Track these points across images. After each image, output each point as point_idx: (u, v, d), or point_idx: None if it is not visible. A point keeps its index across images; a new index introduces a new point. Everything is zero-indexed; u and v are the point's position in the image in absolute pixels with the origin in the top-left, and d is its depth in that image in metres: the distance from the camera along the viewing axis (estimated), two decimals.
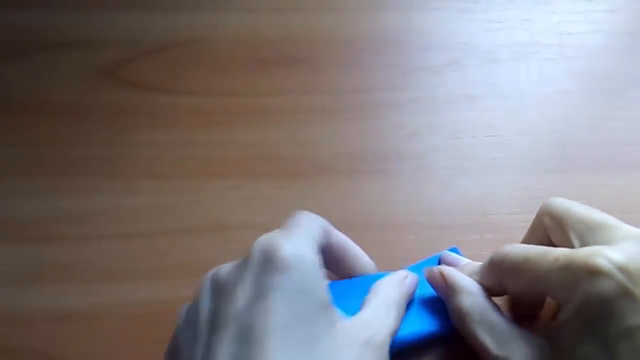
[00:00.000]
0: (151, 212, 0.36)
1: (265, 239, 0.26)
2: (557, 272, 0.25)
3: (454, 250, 0.33)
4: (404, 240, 0.35)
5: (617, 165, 0.38)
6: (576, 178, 0.37)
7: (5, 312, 0.33)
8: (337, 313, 0.26)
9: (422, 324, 0.30)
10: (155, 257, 0.35)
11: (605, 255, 0.24)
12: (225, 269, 0.27)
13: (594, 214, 0.28)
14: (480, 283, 0.29)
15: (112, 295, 0.34)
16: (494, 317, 0.28)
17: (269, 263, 0.25)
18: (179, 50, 0.43)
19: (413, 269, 0.32)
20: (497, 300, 0.31)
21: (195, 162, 0.38)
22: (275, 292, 0.24)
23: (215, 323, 0.25)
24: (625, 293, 0.23)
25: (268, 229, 0.35)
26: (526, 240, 0.32)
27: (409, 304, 0.31)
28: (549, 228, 0.29)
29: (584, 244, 0.27)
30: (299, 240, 0.26)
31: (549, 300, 0.31)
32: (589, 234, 0.27)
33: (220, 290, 0.26)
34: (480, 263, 0.30)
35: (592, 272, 0.24)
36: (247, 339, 0.23)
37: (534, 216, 0.31)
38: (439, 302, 0.30)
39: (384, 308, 0.28)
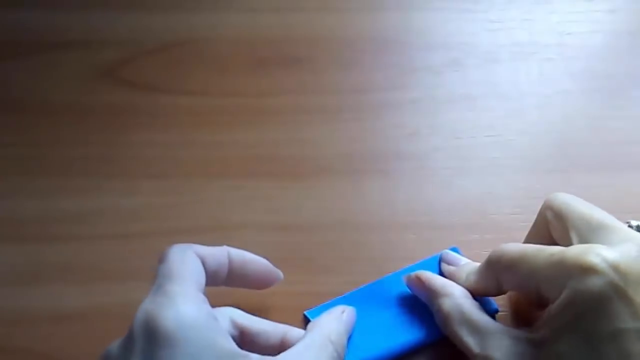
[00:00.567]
0: (151, 212, 0.36)
1: (144, 312, 0.24)
2: (550, 267, 0.25)
3: (454, 249, 0.33)
4: (404, 240, 0.35)
5: (617, 165, 0.38)
6: (576, 178, 0.37)
7: (5, 312, 0.33)
8: (251, 357, 0.24)
9: (411, 333, 0.31)
10: (155, 257, 0.35)
11: (599, 253, 0.24)
12: (112, 350, 0.25)
13: (596, 213, 0.27)
14: (479, 282, 0.29)
15: (112, 295, 0.33)
16: (474, 316, 0.28)
17: (153, 339, 0.23)
18: (179, 50, 0.43)
19: (413, 268, 0.32)
20: (498, 300, 0.31)
21: (195, 162, 0.38)
22: None
23: None
24: (616, 293, 0.23)
25: (268, 229, 0.35)
26: (530, 236, 0.32)
27: (395, 314, 0.31)
28: (551, 223, 0.29)
29: (583, 242, 0.27)
30: (178, 300, 0.24)
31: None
32: (589, 233, 0.27)
33: None
34: (479, 263, 0.30)
35: (584, 269, 0.24)
36: None
37: (534, 216, 0.31)
38: (424, 307, 0.31)
39: (316, 347, 0.26)
